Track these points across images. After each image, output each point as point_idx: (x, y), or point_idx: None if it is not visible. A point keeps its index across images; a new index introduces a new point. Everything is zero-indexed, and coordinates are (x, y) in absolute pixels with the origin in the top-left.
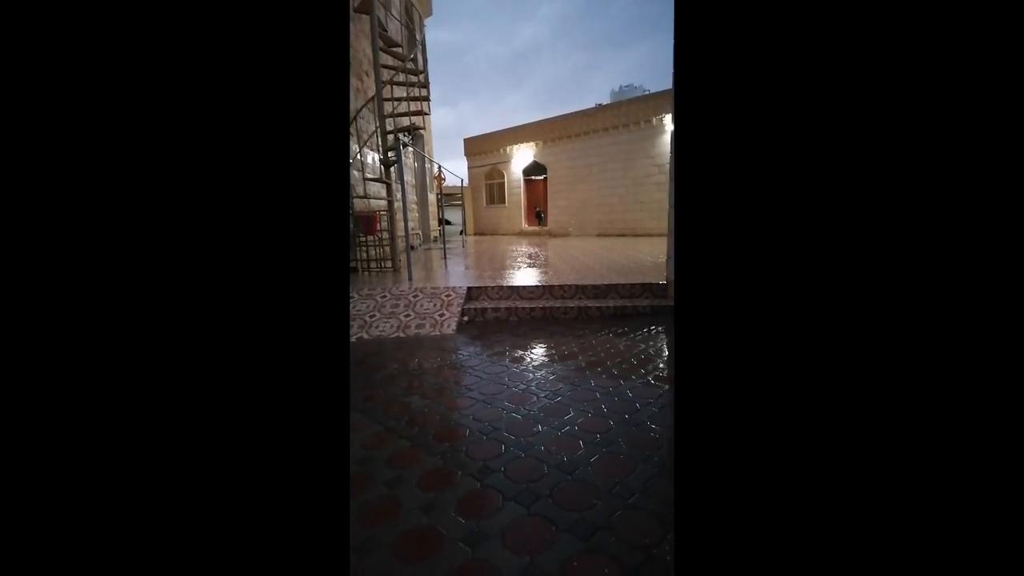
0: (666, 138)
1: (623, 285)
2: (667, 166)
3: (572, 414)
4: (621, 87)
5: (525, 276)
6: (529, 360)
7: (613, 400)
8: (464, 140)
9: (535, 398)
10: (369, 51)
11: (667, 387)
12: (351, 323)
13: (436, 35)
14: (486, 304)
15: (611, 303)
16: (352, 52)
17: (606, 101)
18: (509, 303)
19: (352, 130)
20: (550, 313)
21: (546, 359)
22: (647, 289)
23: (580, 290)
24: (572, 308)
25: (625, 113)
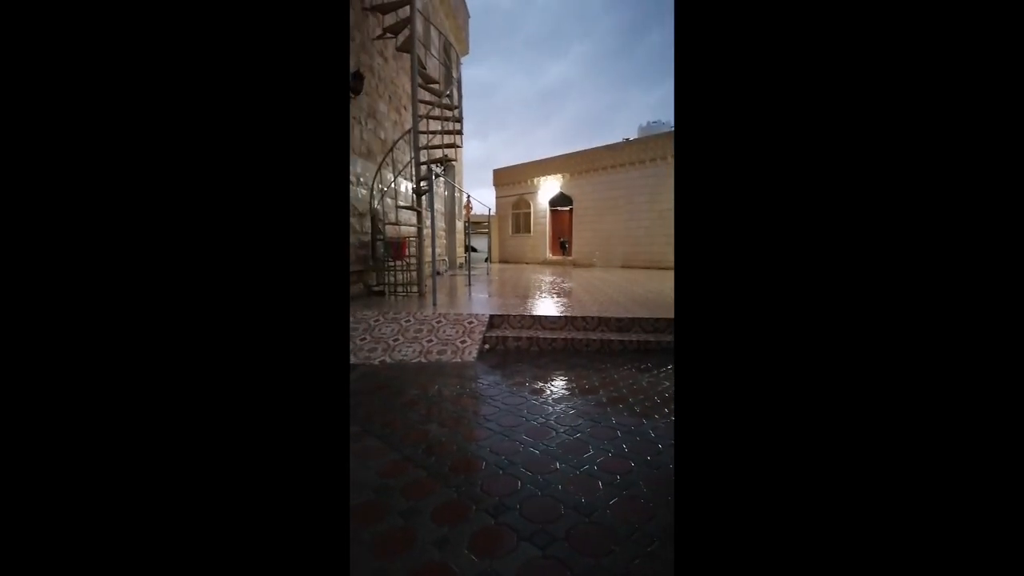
0: None
1: (647, 319)
2: None
3: (591, 452)
4: (648, 123)
5: (547, 306)
6: (549, 392)
7: (634, 439)
8: (493, 171)
9: (554, 433)
10: (408, 87)
11: None
12: (375, 346)
13: (471, 72)
14: (508, 332)
15: (634, 337)
16: (392, 88)
17: (633, 136)
18: (531, 332)
19: (388, 160)
20: (572, 344)
21: (566, 392)
22: (672, 324)
23: (603, 322)
24: (594, 340)
25: (652, 148)
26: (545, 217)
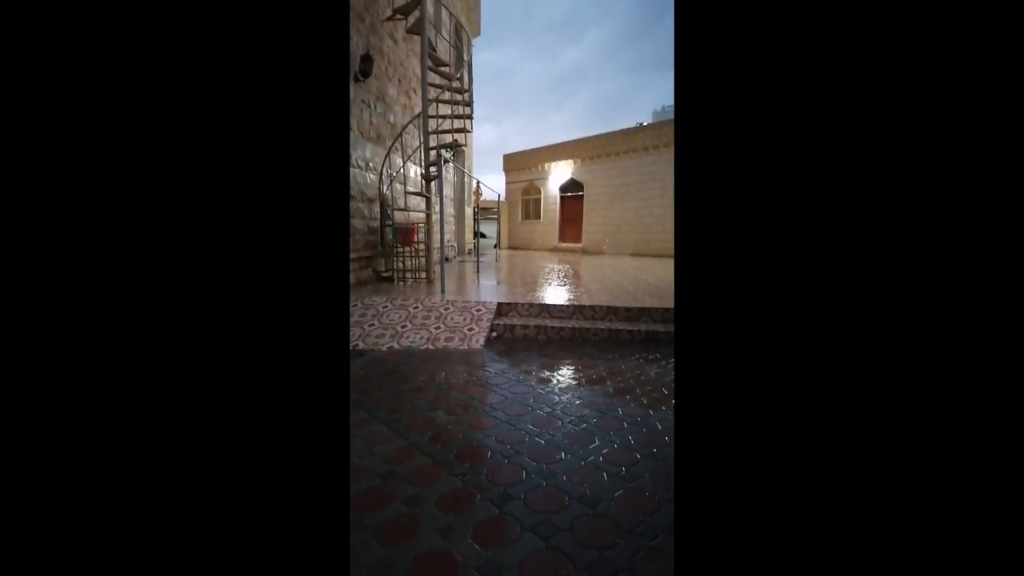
0: None
1: (657, 309)
2: None
3: (597, 443)
4: (663, 107)
5: (556, 294)
6: (556, 382)
7: (641, 431)
8: (504, 156)
9: (560, 423)
10: (419, 70)
11: None
12: (383, 332)
13: (486, 57)
14: (515, 321)
15: (643, 327)
16: (402, 71)
17: (648, 121)
18: (539, 321)
19: (397, 145)
20: (579, 334)
21: (573, 382)
22: None
23: (612, 312)
24: (603, 330)
25: (667, 133)
26: (556, 203)
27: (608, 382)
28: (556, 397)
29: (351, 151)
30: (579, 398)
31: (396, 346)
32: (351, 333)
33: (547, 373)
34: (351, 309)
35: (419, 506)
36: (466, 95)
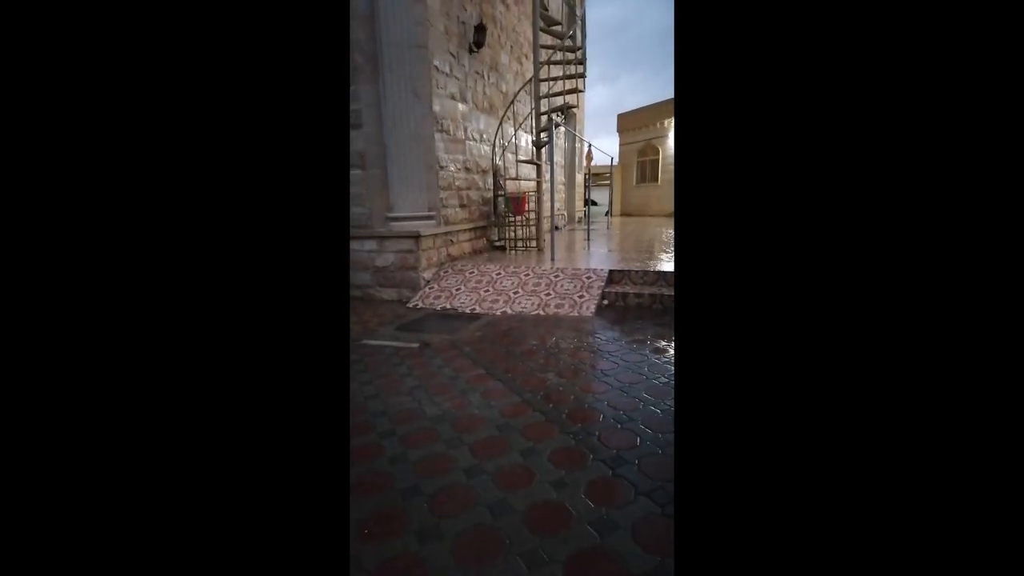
0: None
1: None
2: None
3: None
4: None
5: (673, 261)
6: (672, 352)
7: None
8: (617, 116)
9: None
10: (530, 34)
11: None
12: (497, 298)
13: (601, 12)
14: (628, 289)
15: None
16: (514, 37)
17: None
18: (653, 289)
19: (509, 114)
20: None
21: None
22: None
23: None
24: None
25: None
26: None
27: None
28: (672, 367)
29: (466, 124)
30: None
31: (509, 311)
32: (469, 298)
33: (663, 343)
34: (468, 276)
35: (533, 458)
36: (578, 53)
